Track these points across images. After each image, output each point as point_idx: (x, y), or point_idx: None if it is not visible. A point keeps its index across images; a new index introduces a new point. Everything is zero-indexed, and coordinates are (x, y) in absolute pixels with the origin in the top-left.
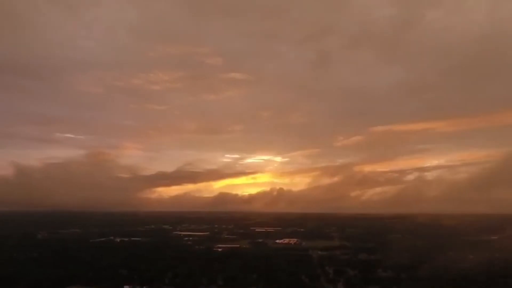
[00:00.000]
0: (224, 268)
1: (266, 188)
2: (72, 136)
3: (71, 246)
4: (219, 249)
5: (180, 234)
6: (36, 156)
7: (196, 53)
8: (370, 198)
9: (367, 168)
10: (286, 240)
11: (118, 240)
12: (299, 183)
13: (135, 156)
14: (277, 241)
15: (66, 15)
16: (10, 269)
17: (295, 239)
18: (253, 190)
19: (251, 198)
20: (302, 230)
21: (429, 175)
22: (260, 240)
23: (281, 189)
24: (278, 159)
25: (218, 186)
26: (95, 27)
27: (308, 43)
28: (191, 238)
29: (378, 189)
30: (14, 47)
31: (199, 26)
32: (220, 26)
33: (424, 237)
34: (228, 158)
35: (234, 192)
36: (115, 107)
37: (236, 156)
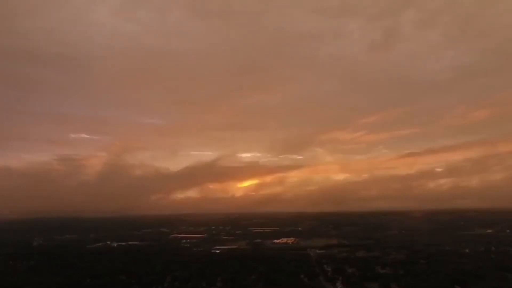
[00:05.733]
0: (223, 270)
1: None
2: (87, 136)
3: (67, 253)
4: (218, 251)
5: (178, 236)
6: (43, 159)
7: (249, 34)
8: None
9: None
10: (284, 240)
11: (115, 245)
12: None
13: (148, 157)
14: (275, 241)
15: None
16: (8, 278)
17: (293, 239)
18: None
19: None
20: (299, 229)
21: None
22: (258, 241)
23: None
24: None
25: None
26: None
27: (380, 19)
28: (189, 241)
29: None
30: (33, 28)
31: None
32: (287, 3)
33: None
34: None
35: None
36: (138, 104)
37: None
